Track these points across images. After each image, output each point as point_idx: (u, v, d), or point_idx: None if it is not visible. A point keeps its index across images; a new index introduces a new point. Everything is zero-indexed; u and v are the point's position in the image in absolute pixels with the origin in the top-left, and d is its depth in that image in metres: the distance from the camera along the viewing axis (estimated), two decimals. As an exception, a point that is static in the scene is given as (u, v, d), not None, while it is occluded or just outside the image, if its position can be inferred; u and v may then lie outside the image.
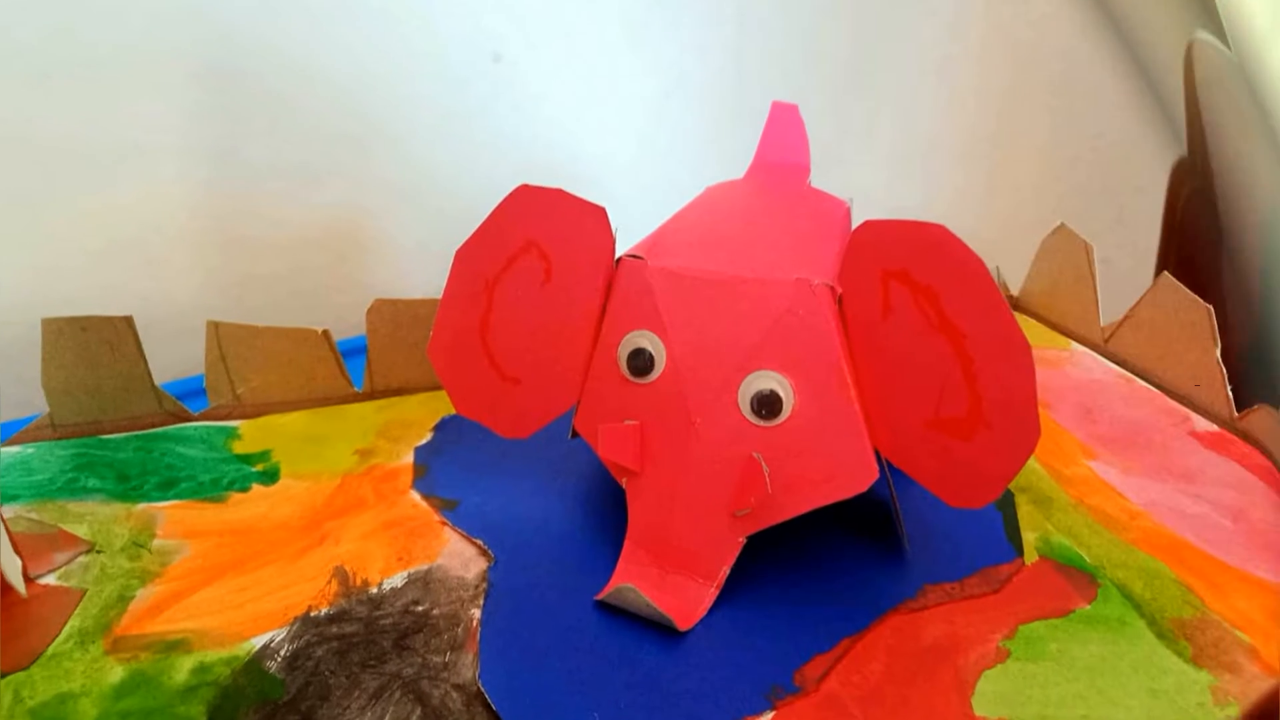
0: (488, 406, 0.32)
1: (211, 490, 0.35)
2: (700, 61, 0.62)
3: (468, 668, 0.26)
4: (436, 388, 0.42)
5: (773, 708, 0.25)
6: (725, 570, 0.28)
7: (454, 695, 0.25)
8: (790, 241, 0.31)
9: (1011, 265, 0.53)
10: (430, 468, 0.36)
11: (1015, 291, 0.54)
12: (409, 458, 0.37)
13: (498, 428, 0.33)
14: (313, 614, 0.28)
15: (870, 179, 0.70)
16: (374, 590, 0.29)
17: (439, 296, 0.32)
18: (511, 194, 0.30)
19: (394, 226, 0.55)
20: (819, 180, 0.39)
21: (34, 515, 0.32)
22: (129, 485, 0.35)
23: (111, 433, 0.38)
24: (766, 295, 0.27)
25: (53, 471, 0.35)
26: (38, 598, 0.28)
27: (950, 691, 0.25)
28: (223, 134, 0.48)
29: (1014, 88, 0.74)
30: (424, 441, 0.38)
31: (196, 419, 0.40)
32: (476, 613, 0.28)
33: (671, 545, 0.28)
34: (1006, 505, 0.34)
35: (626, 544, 0.29)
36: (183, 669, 0.26)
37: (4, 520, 0.28)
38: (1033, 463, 0.36)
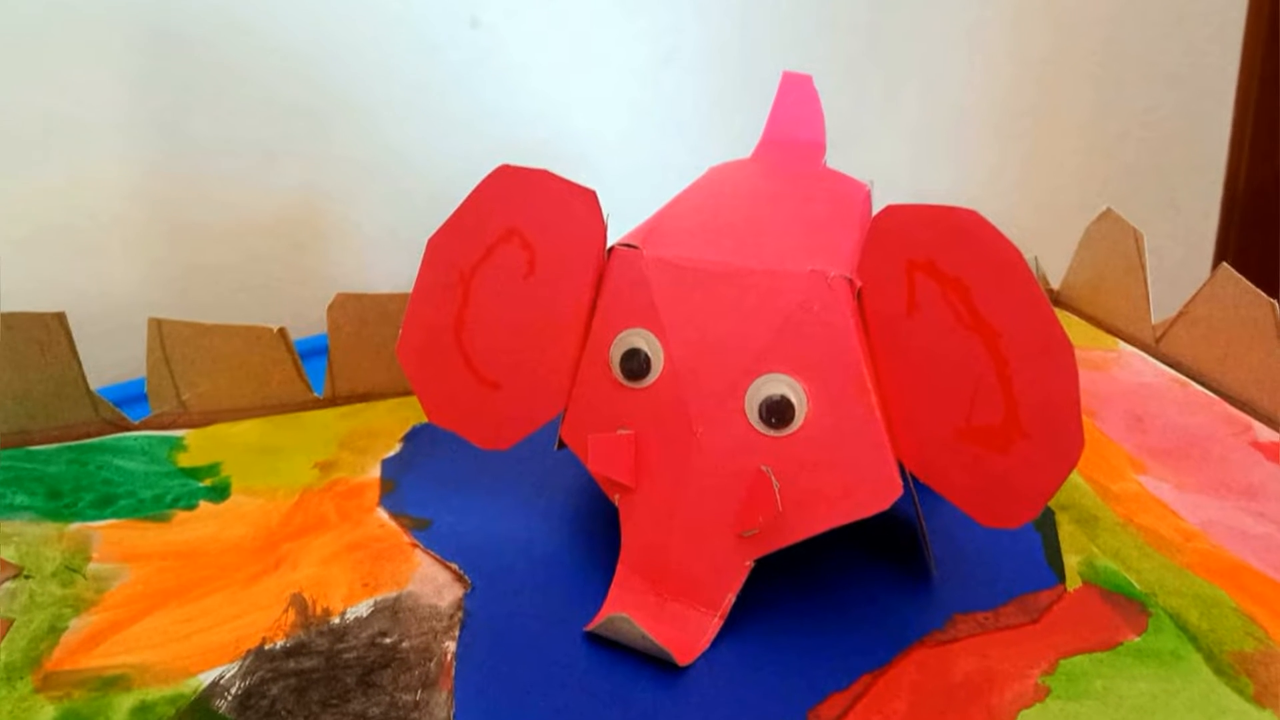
0: (464, 414, 0.32)
1: (154, 508, 0.35)
2: (701, 25, 0.62)
3: (441, 707, 0.26)
4: (406, 393, 0.42)
5: (784, 752, 0.25)
6: (730, 598, 0.28)
7: (426, 738, 0.25)
8: (803, 229, 0.31)
9: (1052, 255, 0.54)
10: (399, 483, 0.36)
11: (1056, 285, 0.54)
12: (375, 471, 0.37)
13: (475, 438, 0.33)
14: (267, 647, 0.28)
15: (893, 158, 0.70)
16: (336, 620, 0.29)
17: (409, 291, 0.32)
18: (490, 175, 0.30)
19: (358, 212, 0.55)
20: (835, 160, 0.39)
21: (-47, 537, 0.32)
22: (61, 502, 0.35)
23: (41, 443, 0.38)
24: (777, 289, 0.28)
25: (-26, 487, 0.35)
26: (-43, 629, 0.28)
27: (983, 733, 0.25)
28: (165, 107, 0.48)
29: (1054, 55, 0.74)
30: (392, 453, 0.38)
31: (137, 428, 0.40)
32: (451, 645, 0.28)
33: (670, 570, 0.28)
34: (1046, 525, 0.34)
35: (619, 568, 0.29)
36: (121, 708, 0.26)
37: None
38: (1075, 477, 0.36)
